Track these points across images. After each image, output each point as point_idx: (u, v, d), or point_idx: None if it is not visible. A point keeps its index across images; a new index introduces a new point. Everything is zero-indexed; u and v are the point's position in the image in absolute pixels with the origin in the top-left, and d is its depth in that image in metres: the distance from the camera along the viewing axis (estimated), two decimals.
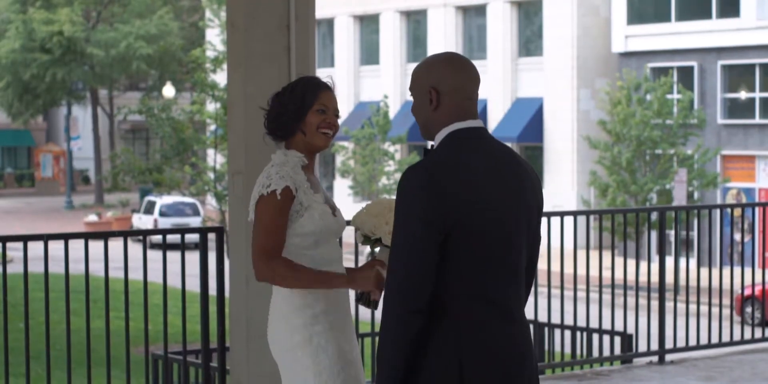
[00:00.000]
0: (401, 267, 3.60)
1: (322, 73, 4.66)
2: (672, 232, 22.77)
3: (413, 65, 42.54)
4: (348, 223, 4.73)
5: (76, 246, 7.00)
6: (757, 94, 34.61)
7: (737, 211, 12.80)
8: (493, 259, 3.67)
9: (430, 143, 3.84)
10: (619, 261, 9.67)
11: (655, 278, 9.22)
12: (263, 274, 4.38)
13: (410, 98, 3.85)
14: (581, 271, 9.16)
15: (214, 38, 33.69)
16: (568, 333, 11.62)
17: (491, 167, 3.70)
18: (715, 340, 9.66)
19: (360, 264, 5.93)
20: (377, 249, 4.52)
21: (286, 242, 4.42)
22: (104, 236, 7.07)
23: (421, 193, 3.60)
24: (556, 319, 10.81)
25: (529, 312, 4.70)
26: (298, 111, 4.47)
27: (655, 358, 9.25)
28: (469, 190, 3.63)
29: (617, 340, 10.61)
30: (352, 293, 4.57)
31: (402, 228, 3.63)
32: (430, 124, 3.80)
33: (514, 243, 3.72)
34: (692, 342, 9.55)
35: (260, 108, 4.59)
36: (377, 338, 9.94)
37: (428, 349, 3.62)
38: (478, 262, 3.64)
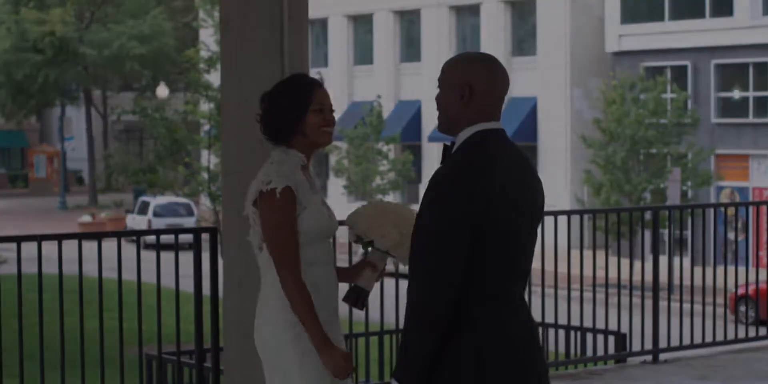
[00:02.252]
0: (432, 262, 3.66)
1: (316, 73, 4.64)
2: (666, 232, 22.77)
3: (407, 65, 42.56)
4: (341, 222, 4.72)
5: (70, 247, 7.00)
6: (751, 93, 34.64)
7: (731, 210, 12.83)
8: (509, 259, 3.76)
9: (448, 141, 3.87)
10: (612, 260, 9.67)
11: (648, 277, 9.23)
12: (289, 289, 4.35)
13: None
14: (575, 270, 9.17)
15: (208, 38, 33.70)
16: (561, 332, 11.62)
17: (513, 168, 3.79)
18: (708, 339, 9.66)
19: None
20: (369, 249, 4.51)
21: None
22: (98, 237, 7.06)
23: (456, 191, 3.66)
24: (549, 318, 10.81)
25: None
26: (296, 113, 4.43)
27: (649, 357, 9.25)
28: (497, 190, 3.70)
29: (611, 339, 10.61)
30: (340, 293, 4.57)
31: (433, 225, 3.67)
32: (456, 118, 3.84)
33: (526, 242, 3.82)
34: (686, 341, 9.54)
35: (256, 114, 4.54)
36: (372, 338, 9.95)
37: (446, 348, 3.68)
38: (496, 261, 3.72)
